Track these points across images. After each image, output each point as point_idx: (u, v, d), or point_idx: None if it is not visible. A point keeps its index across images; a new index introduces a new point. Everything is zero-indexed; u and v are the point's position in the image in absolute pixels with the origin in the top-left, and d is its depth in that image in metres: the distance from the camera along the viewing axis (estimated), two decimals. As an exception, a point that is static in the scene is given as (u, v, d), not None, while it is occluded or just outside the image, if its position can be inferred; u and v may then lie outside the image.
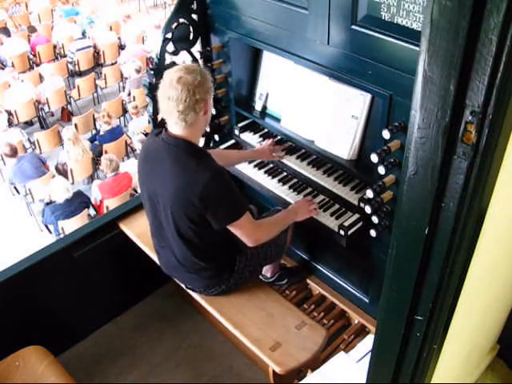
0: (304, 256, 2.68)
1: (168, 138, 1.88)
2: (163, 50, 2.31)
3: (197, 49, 2.45)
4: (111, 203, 4.90)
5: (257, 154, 2.39)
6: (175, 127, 1.86)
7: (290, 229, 2.31)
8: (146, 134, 2.39)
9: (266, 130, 2.50)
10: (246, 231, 1.97)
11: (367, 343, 2.06)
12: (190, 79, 1.77)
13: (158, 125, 2.41)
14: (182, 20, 2.33)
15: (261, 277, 2.61)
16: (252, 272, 2.25)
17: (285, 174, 2.41)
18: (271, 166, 2.45)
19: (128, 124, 6.82)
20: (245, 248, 2.14)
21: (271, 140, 2.40)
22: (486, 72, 0.73)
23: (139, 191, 2.18)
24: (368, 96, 1.96)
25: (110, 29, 8.93)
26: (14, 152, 5.55)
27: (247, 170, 2.44)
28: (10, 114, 6.74)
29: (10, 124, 6.69)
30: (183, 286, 2.26)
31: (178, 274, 2.21)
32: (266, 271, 2.59)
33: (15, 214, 5.92)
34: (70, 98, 7.42)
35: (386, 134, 1.72)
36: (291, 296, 2.62)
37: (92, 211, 5.20)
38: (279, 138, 2.43)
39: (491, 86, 0.73)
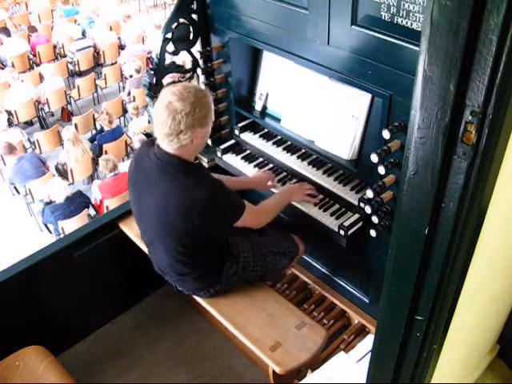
0: (304, 256, 2.67)
1: (160, 154, 1.86)
2: (163, 50, 2.31)
3: (197, 49, 2.45)
4: (111, 203, 4.90)
5: (254, 184, 2.36)
6: (165, 145, 1.84)
7: (294, 259, 2.35)
8: (146, 134, 2.39)
9: (266, 130, 2.50)
10: (247, 222, 2.02)
11: (367, 343, 2.06)
12: (178, 107, 1.72)
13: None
14: (182, 20, 2.33)
15: None
16: (245, 281, 2.23)
17: (285, 173, 2.41)
18: (271, 166, 2.46)
19: (128, 124, 6.82)
20: (239, 256, 2.15)
21: (271, 173, 2.38)
22: (486, 72, 0.73)
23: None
24: (368, 96, 1.96)
25: (110, 29, 8.92)
26: (11, 149, 5.55)
27: (247, 170, 2.44)
28: (10, 113, 6.73)
29: (10, 124, 6.68)
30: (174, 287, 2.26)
31: (167, 276, 2.20)
32: None
33: (15, 214, 5.92)
34: (70, 98, 7.42)
35: (385, 134, 1.72)
36: (291, 296, 2.62)
37: (92, 211, 5.20)
38: (279, 137, 2.43)
39: (491, 86, 0.73)
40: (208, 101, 1.81)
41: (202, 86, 2.46)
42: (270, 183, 2.33)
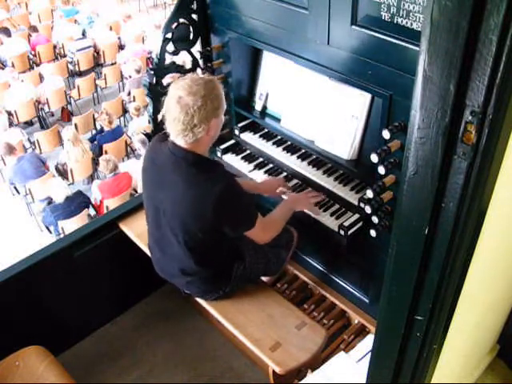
0: (304, 256, 2.67)
1: (174, 149, 1.86)
2: (163, 50, 2.31)
3: (197, 49, 2.45)
4: (111, 203, 4.90)
5: (263, 190, 2.33)
6: (179, 140, 1.84)
7: (291, 249, 2.35)
8: (145, 134, 2.39)
9: (266, 130, 2.50)
10: (256, 235, 2.02)
11: (367, 343, 2.06)
12: (189, 102, 1.72)
13: (158, 124, 2.41)
14: (182, 20, 2.33)
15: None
16: (249, 281, 2.25)
17: (285, 174, 2.41)
18: (271, 166, 2.46)
19: (128, 124, 6.81)
20: (245, 256, 2.16)
21: (282, 179, 2.36)
22: (486, 72, 0.73)
23: (139, 191, 2.18)
24: (368, 96, 1.96)
25: (110, 29, 8.92)
26: (10, 149, 5.54)
27: (247, 170, 2.44)
28: (9, 114, 6.73)
29: (10, 124, 6.68)
30: (181, 291, 2.26)
31: (175, 279, 2.20)
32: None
33: (15, 214, 5.92)
34: (70, 98, 7.42)
35: (385, 134, 1.72)
36: (291, 296, 2.61)
37: (92, 211, 5.20)
38: (279, 137, 2.43)
39: (491, 85, 0.73)
40: (218, 91, 1.81)
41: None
42: (280, 189, 2.29)
